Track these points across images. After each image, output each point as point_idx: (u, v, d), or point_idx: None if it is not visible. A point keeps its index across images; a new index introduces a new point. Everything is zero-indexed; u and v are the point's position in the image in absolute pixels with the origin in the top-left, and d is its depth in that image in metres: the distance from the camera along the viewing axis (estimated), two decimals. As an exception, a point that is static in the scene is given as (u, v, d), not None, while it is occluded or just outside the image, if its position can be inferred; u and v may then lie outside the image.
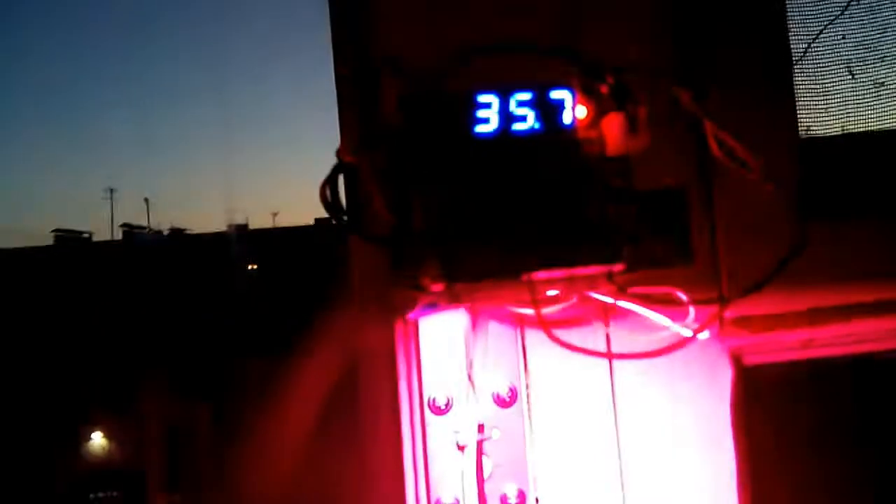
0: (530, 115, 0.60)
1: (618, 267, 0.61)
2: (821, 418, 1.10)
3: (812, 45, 1.35)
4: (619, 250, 0.60)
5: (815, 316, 1.08)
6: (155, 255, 18.52)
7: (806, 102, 1.29)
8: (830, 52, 1.38)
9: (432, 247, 0.58)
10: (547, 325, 0.61)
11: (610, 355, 0.79)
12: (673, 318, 0.83)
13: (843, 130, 1.35)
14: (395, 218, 0.62)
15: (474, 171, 0.60)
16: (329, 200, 0.68)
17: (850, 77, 1.37)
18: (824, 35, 1.36)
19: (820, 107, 1.36)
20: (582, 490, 1.03)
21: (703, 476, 1.05)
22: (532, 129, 0.61)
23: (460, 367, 1.01)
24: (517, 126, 0.61)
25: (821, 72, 1.38)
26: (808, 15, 1.35)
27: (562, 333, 1.04)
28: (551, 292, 0.68)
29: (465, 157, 0.60)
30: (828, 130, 1.35)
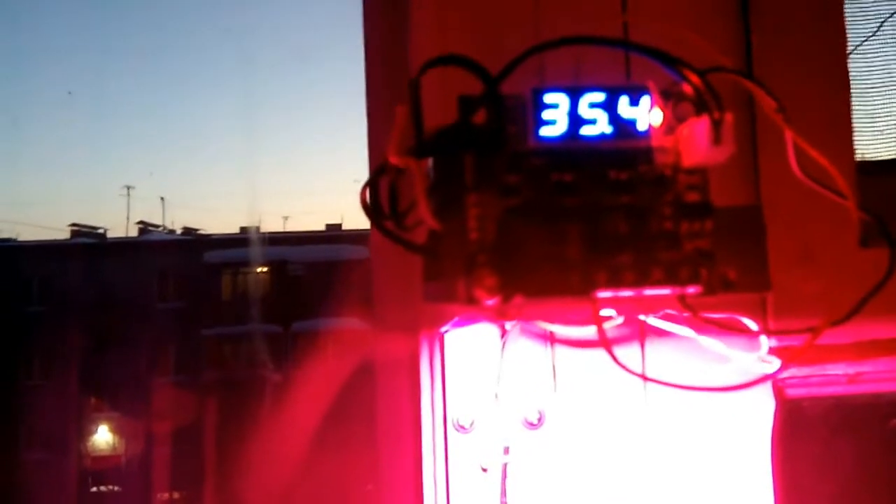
0: (602, 117, 0.55)
1: (692, 290, 0.55)
2: (867, 457, 1.04)
3: (865, 66, 1.30)
4: (696, 271, 0.54)
5: (864, 349, 1.03)
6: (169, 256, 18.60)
7: (858, 125, 1.25)
8: (882, 73, 1.33)
9: (489, 258, 0.53)
10: (609, 345, 0.56)
11: (685, 387, 0.73)
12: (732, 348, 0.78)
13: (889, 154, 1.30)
14: (445, 226, 0.57)
15: (538, 178, 0.54)
16: (370, 204, 0.63)
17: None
18: (877, 56, 1.32)
19: (871, 129, 1.32)
20: (611, 519, 0.98)
21: (739, 506, 1.00)
22: (603, 134, 0.55)
23: (487, 384, 0.97)
24: (586, 130, 0.55)
25: (872, 93, 1.34)
26: (860, 33, 1.31)
27: (593, 358, 0.99)
28: (606, 312, 0.63)
29: (528, 161, 0.54)
30: (880, 154, 1.30)
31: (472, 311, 0.72)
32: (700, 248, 0.54)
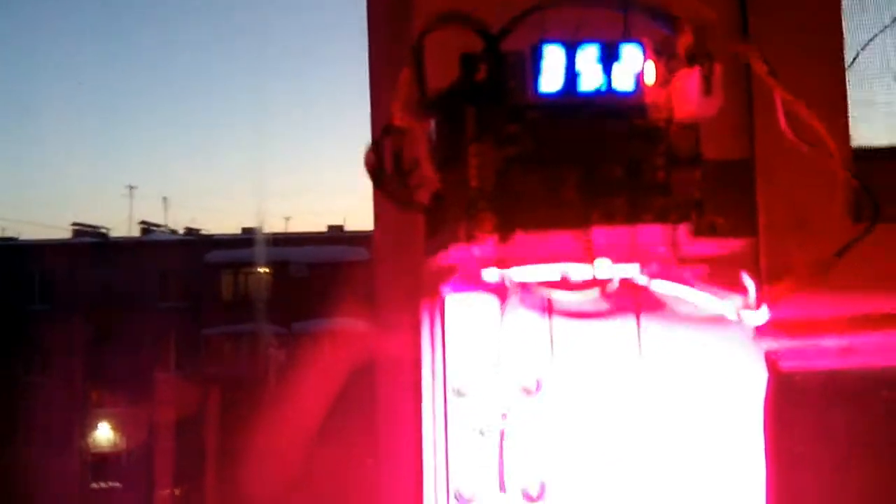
0: (597, 71, 0.58)
1: (682, 229, 0.58)
2: (858, 428, 1.06)
3: (860, 55, 1.33)
4: (685, 213, 0.57)
5: (855, 323, 1.05)
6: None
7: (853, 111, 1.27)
8: (878, 62, 1.35)
9: (489, 203, 0.56)
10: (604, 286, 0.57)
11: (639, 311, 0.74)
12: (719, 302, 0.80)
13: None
14: (447, 179, 0.59)
15: (537, 129, 0.57)
16: (374, 165, 0.66)
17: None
18: (871, 46, 1.34)
19: (866, 115, 1.34)
20: (603, 484, 1.01)
21: (732, 476, 1.02)
22: (598, 89, 0.58)
23: (486, 353, 0.99)
24: (583, 83, 0.58)
25: (867, 81, 1.36)
26: (858, 25, 1.33)
27: (595, 325, 1.02)
28: (603, 264, 0.65)
29: (527, 114, 0.57)
30: (873, 140, 1.32)
31: (472, 262, 0.74)
32: (689, 195, 0.57)
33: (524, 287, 0.95)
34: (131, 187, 23.68)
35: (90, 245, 19.41)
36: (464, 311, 0.99)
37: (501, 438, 0.98)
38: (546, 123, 0.57)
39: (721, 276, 0.85)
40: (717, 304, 0.76)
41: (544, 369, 0.99)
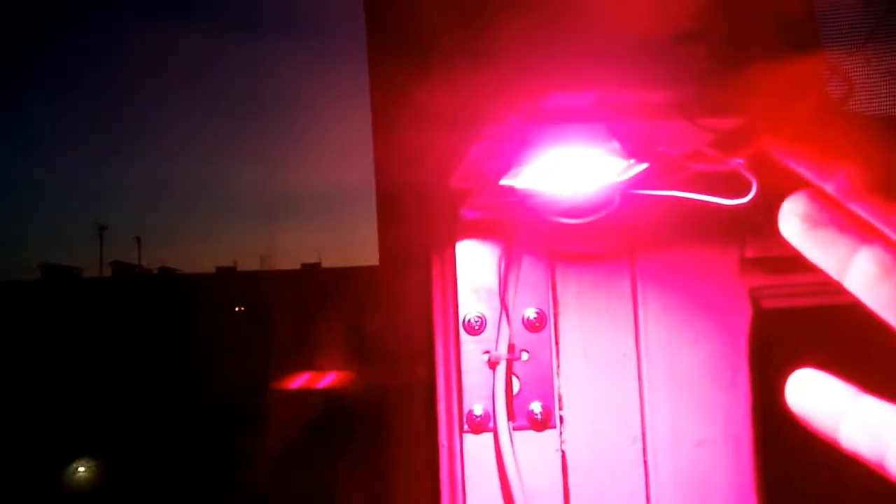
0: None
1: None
2: (836, 366, 1.14)
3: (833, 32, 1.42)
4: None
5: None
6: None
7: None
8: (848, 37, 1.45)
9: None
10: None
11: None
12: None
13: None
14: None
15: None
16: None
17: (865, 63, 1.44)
18: (844, 20, 1.44)
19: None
20: (603, 411, 1.08)
21: (718, 409, 1.10)
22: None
23: (494, 291, 1.07)
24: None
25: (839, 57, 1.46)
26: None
27: (588, 268, 1.10)
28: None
29: None
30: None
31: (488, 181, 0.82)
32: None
33: (529, 219, 1.03)
34: (101, 227, 23.52)
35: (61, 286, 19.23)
36: (471, 252, 1.07)
37: (509, 369, 1.06)
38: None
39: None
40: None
41: (547, 306, 1.07)
